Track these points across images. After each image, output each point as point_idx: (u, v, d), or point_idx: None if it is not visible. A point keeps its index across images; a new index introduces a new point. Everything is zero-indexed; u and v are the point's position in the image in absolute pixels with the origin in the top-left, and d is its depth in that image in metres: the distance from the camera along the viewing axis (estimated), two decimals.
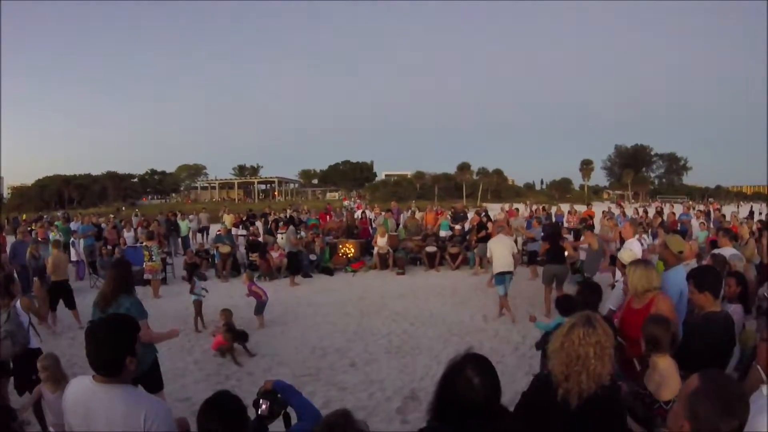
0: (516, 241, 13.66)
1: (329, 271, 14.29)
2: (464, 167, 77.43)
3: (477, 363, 1.95)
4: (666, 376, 2.99)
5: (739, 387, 1.76)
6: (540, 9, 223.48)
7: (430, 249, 14.69)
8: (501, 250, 9.11)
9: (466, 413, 1.91)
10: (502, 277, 8.96)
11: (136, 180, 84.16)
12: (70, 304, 9.42)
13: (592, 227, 11.82)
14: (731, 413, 1.59)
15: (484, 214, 22.95)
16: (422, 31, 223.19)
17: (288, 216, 20.01)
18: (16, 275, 9.08)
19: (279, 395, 2.70)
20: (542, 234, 15.60)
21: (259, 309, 9.14)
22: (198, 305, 9.02)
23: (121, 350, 2.26)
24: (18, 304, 5.28)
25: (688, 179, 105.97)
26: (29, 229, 18.00)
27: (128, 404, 2.24)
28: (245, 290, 9.24)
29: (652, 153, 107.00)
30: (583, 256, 10.72)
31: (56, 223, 21.30)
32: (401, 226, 17.59)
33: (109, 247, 14.92)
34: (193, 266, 12.21)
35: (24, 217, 35.47)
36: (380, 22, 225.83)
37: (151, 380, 4.48)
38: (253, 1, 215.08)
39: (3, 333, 4.88)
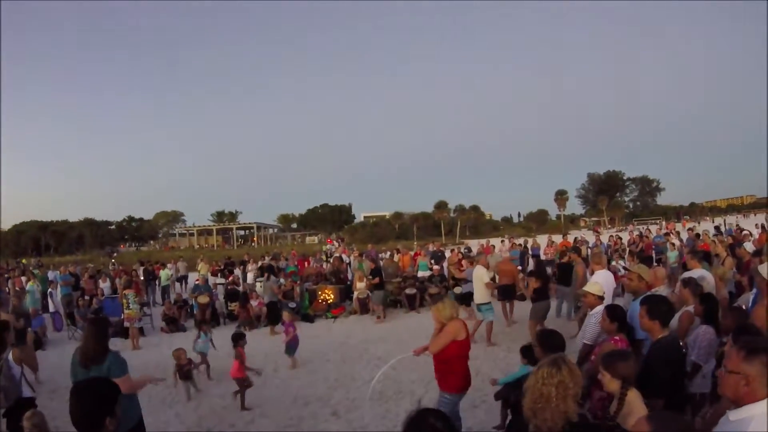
0: (494, 279, 13.93)
1: (309, 318, 14.25)
2: (441, 205, 77.75)
3: (435, 411, 2.13)
4: (633, 407, 3.16)
5: (686, 422, 1.92)
6: (506, 44, 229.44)
7: (410, 291, 14.79)
8: (475, 283, 10.52)
9: None
10: (478, 307, 10.29)
11: (113, 227, 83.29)
12: None
13: (579, 251, 12.03)
14: None
15: (465, 250, 23.37)
16: (393, 73, 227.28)
17: (267, 264, 19.93)
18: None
19: None
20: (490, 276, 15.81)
21: (292, 349, 9.50)
22: (203, 357, 9.13)
23: (101, 412, 2.44)
24: (10, 356, 5.29)
25: (662, 199, 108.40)
26: (6, 276, 17.77)
27: None
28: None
29: (625, 177, 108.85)
30: None
31: (34, 271, 21.07)
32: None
33: (87, 297, 14.78)
34: (172, 318, 12.19)
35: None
36: (352, 65, 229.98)
37: None
38: (230, 46, 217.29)
39: None
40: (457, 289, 13.69)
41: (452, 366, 5.00)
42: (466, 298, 13.19)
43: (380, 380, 7.14)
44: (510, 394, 5.07)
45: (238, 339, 7.88)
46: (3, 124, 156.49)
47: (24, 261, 37.21)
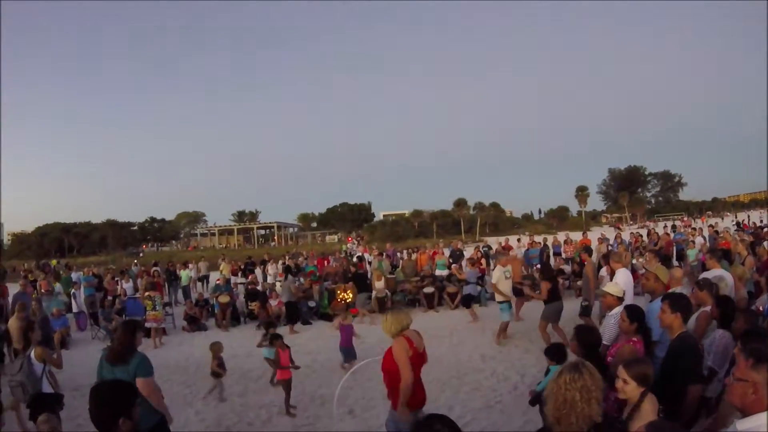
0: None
1: (328, 317, 14.32)
2: (461, 203, 77.47)
3: (442, 418, 2.13)
4: (643, 412, 3.14)
5: None
6: (524, 40, 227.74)
7: (428, 290, 14.79)
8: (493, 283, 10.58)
9: None
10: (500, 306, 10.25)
11: (135, 228, 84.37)
12: None
13: (590, 251, 11.88)
14: None
15: (485, 248, 23.26)
16: (411, 72, 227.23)
17: (285, 264, 20.02)
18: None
19: None
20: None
21: (349, 355, 9.45)
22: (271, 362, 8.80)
23: (116, 413, 2.56)
24: (32, 354, 5.51)
25: (684, 195, 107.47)
26: (32, 279, 18.08)
27: None
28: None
29: (646, 173, 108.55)
30: None
31: (60, 272, 21.47)
32: (399, 268, 17.67)
33: (110, 298, 15.04)
34: (193, 318, 12.32)
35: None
36: (371, 65, 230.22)
37: None
38: (250, 47, 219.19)
39: (14, 382, 5.12)
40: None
41: (395, 382, 4.44)
42: (467, 300, 13.16)
43: (344, 389, 7.14)
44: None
45: (274, 339, 7.88)
46: (25, 125, 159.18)
47: (53, 263, 38.17)
